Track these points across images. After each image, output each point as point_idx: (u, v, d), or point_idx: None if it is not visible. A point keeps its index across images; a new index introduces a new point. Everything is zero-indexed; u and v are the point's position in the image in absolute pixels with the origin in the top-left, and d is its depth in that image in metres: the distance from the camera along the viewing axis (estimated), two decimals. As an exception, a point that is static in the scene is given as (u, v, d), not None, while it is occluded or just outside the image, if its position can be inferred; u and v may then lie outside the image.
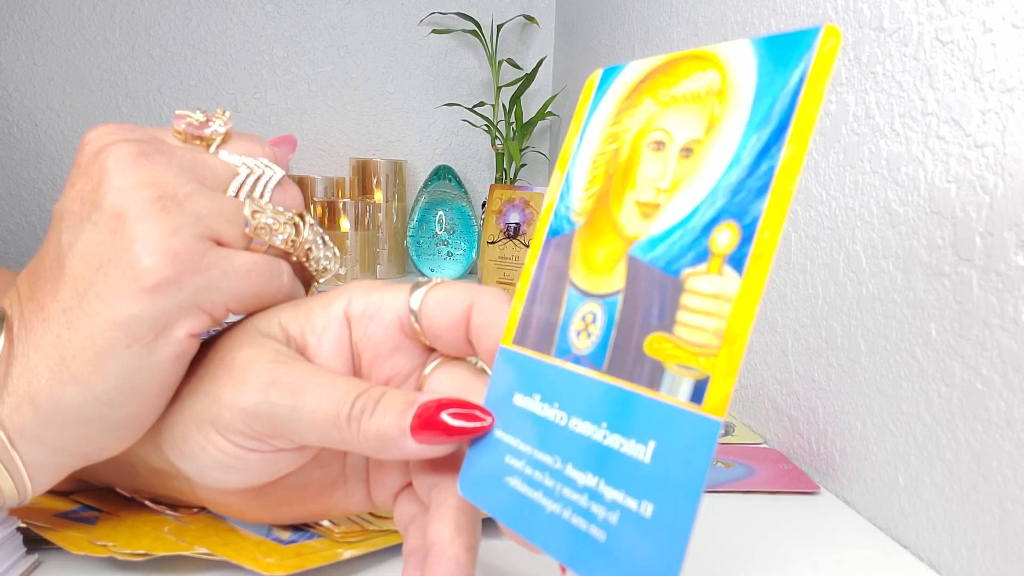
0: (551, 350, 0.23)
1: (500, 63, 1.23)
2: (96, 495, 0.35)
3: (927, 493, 0.35)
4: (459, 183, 1.23)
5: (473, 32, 1.22)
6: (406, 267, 1.24)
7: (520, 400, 0.23)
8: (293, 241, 0.29)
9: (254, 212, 0.28)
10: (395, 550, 0.33)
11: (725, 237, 0.19)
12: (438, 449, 0.24)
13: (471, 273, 1.24)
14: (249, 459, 0.27)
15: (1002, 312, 0.31)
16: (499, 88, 1.23)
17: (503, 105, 1.22)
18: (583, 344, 0.22)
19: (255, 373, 0.26)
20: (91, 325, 0.25)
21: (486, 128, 1.23)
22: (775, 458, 0.47)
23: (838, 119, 0.43)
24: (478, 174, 1.34)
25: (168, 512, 0.33)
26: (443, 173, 1.23)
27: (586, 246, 0.23)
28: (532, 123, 1.18)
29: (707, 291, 0.19)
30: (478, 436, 0.24)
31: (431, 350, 0.29)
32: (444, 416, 0.24)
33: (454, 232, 1.21)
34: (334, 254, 0.32)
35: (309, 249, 0.30)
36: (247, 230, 0.28)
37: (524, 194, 1.07)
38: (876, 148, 0.40)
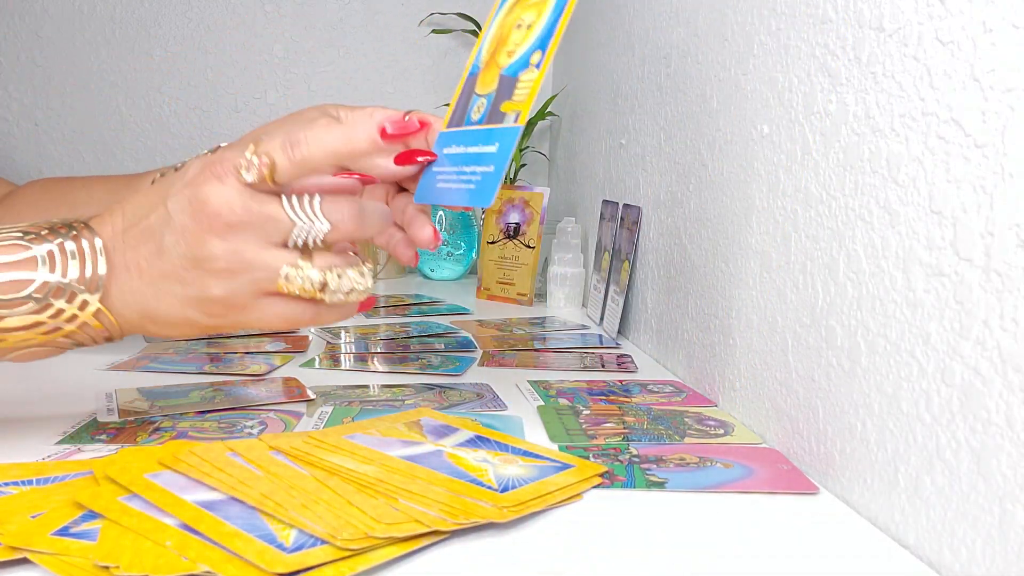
0: (463, 123, 0.48)
1: (500, 63, 1.22)
2: (98, 496, 0.35)
3: (927, 493, 0.35)
4: (459, 183, 1.23)
5: (473, 32, 1.22)
6: (406, 267, 1.24)
7: (448, 150, 0.48)
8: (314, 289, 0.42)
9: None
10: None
11: (537, 57, 0.44)
12: (408, 170, 0.48)
13: (471, 273, 1.24)
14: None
15: (1002, 312, 0.31)
16: (499, 88, 1.23)
17: (503, 105, 1.22)
18: (476, 115, 0.47)
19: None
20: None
21: (486, 128, 1.23)
22: (774, 458, 0.47)
23: (838, 119, 0.43)
24: (478, 174, 1.34)
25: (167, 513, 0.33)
26: (443, 173, 1.23)
27: (483, 75, 0.48)
28: (532, 123, 1.18)
29: (525, 79, 0.44)
30: (426, 167, 0.48)
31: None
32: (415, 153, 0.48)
33: (454, 232, 1.21)
34: (360, 273, 0.43)
35: (324, 287, 0.42)
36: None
37: (524, 194, 1.07)
38: (876, 148, 0.40)
